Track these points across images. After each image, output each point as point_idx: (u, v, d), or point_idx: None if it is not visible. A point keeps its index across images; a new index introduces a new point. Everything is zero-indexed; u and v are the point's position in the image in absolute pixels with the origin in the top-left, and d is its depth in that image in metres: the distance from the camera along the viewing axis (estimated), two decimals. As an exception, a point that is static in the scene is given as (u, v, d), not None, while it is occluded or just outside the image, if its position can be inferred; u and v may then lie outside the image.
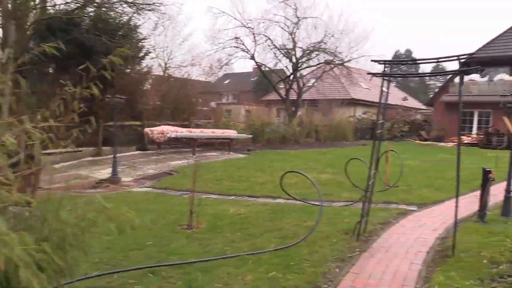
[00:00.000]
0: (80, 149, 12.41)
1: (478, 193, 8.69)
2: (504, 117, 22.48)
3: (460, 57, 4.74)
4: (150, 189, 9.12)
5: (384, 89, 5.33)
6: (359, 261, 4.64)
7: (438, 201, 7.94)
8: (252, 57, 24.01)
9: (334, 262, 4.58)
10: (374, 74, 5.47)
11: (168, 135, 14.95)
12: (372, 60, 5.58)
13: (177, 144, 16.54)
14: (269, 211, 6.89)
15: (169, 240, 5.23)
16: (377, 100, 5.78)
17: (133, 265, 4.28)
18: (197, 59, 24.64)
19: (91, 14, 15.70)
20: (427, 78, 70.35)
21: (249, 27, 23.16)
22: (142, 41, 17.53)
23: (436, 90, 32.47)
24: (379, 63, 5.31)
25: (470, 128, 25.40)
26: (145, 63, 18.71)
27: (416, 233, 5.75)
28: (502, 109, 22.95)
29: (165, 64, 25.67)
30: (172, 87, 19.52)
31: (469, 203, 7.84)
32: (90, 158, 12.97)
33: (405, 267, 4.48)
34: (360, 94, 30.92)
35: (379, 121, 5.61)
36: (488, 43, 25.47)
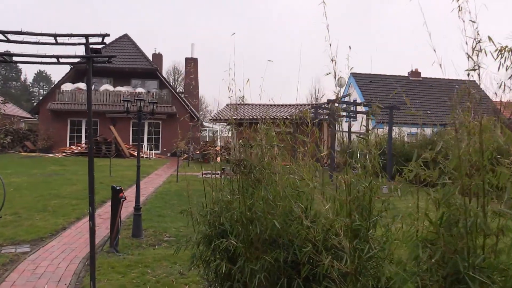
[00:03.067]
0: None
1: (102, 210, 7.84)
2: (110, 126, 23.46)
3: (89, 37, 3.45)
4: None
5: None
6: None
7: (58, 231, 6.40)
8: None
9: None
10: None
11: None
12: None
13: None
14: None
15: None
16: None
17: None
18: None
19: None
20: (30, 85, 65.34)
21: None
22: None
23: (42, 97, 30.05)
24: None
25: (80, 138, 24.91)
26: None
27: (33, 291, 4.03)
28: (108, 118, 23.90)
29: None
30: None
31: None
32: None
33: None
34: None
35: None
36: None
